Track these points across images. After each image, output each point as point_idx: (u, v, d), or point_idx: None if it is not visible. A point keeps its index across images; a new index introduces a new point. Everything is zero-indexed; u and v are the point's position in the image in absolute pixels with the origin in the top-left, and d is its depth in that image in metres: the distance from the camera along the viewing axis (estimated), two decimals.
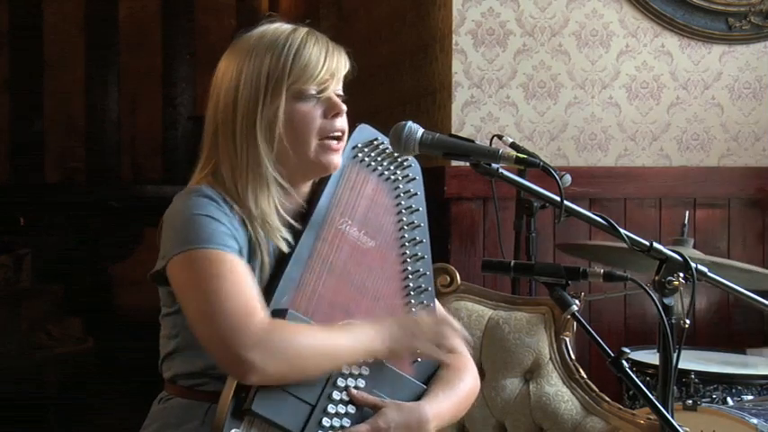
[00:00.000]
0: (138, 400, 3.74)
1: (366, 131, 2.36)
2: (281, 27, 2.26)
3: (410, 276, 2.32)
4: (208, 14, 10.58)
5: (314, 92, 2.21)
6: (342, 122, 2.24)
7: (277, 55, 2.20)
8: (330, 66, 2.22)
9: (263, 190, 2.19)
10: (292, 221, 2.22)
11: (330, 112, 2.22)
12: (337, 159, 2.24)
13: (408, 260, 2.33)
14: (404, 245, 2.33)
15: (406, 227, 2.34)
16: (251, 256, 2.17)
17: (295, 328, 2.08)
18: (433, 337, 2.21)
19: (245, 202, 2.18)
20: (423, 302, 2.32)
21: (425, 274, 2.34)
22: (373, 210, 2.31)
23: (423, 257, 2.34)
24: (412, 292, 2.32)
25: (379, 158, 2.35)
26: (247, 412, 2.07)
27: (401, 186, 2.36)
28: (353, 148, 2.33)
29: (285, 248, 2.19)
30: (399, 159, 2.36)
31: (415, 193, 2.37)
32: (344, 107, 2.25)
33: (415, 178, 2.38)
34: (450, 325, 2.24)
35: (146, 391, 3.12)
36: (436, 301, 2.39)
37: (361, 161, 2.33)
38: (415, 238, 2.34)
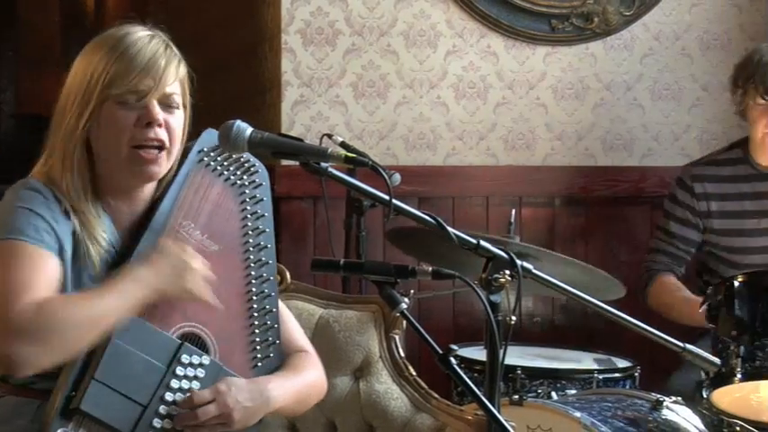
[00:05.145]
0: None
1: (213, 136, 2.32)
2: (122, 29, 2.25)
3: (253, 281, 2.33)
4: (31, 10, 10.34)
5: (132, 99, 2.19)
6: (156, 133, 2.20)
7: (104, 57, 2.20)
8: (150, 73, 2.19)
9: (83, 191, 2.19)
10: (107, 235, 2.21)
11: (143, 120, 2.19)
12: (152, 169, 2.22)
13: (252, 265, 2.34)
14: (248, 250, 2.34)
15: (251, 232, 2.35)
16: (76, 248, 2.16)
17: (58, 304, 2.05)
18: (202, 276, 2.20)
19: (70, 199, 2.17)
20: (265, 308, 2.34)
21: (269, 279, 2.35)
22: (218, 214, 2.31)
23: (267, 263, 2.36)
24: (255, 297, 2.33)
25: (225, 163, 2.35)
26: (76, 411, 2.05)
27: (247, 192, 2.36)
28: (199, 152, 2.33)
29: (104, 245, 2.18)
30: (246, 165, 2.37)
31: (261, 199, 2.38)
32: (161, 119, 2.21)
33: (261, 184, 2.39)
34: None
35: None
36: (281, 304, 2.40)
37: (206, 165, 2.33)
38: (259, 244, 2.35)
